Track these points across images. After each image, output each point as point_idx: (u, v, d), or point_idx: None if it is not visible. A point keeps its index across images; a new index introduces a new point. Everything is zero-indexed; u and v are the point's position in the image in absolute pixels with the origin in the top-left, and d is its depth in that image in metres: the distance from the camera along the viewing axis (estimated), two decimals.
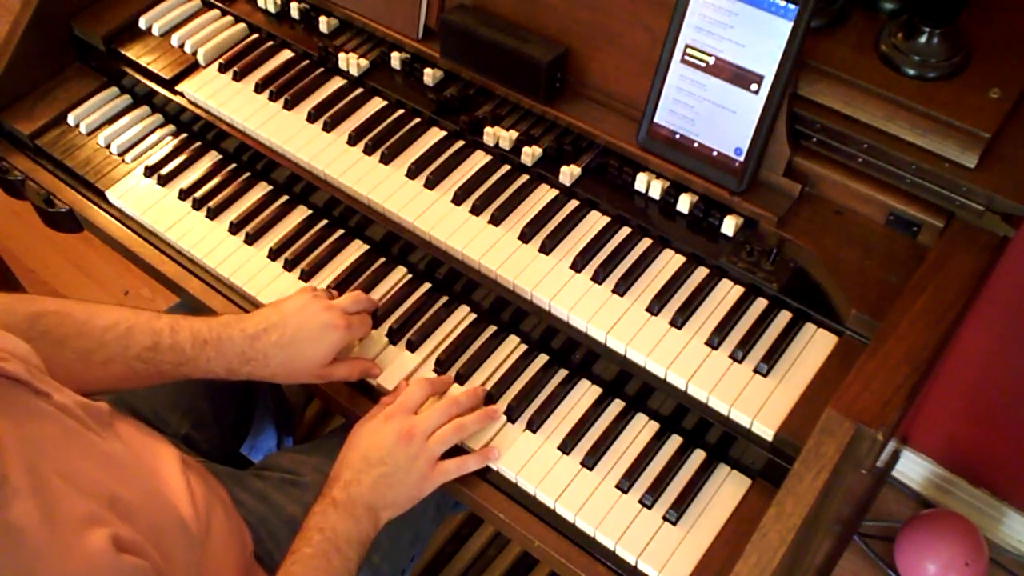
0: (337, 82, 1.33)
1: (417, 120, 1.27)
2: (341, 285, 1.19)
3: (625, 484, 1.00)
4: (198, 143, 1.37)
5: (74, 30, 1.45)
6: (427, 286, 1.19)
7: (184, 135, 1.39)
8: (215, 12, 1.45)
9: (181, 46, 1.41)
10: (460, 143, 1.24)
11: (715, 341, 1.03)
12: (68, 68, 1.47)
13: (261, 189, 1.31)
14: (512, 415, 1.06)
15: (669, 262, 1.10)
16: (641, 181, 1.14)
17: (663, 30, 1.07)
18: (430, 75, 1.28)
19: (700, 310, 1.06)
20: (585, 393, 1.08)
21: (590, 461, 1.02)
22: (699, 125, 1.08)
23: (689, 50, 1.06)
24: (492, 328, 1.14)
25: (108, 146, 1.38)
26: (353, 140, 1.26)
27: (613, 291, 1.08)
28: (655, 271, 1.09)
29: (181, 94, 1.37)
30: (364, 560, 0.99)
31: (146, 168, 1.34)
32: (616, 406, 1.07)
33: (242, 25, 1.43)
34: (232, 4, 1.45)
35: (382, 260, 1.22)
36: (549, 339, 1.12)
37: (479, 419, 1.04)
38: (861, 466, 0.90)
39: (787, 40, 0.99)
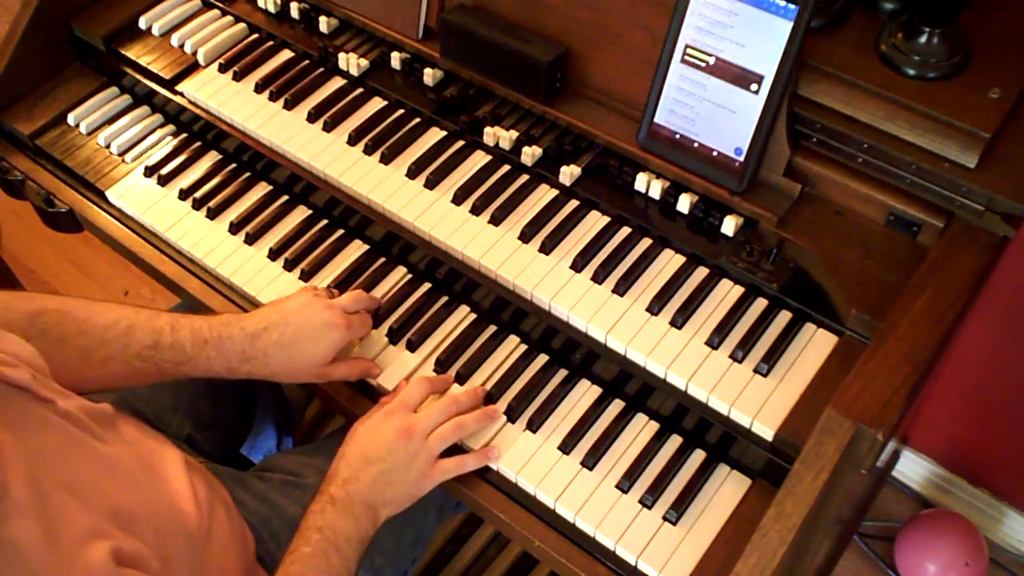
0: (337, 82, 1.33)
1: (417, 120, 1.27)
2: (341, 285, 1.19)
3: (625, 484, 1.00)
4: (198, 143, 1.37)
5: (74, 30, 1.45)
6: (427, 286, 1.19)
7: (184, 135, 1.39)
8: (215, 12, 1.45)
9: (181, 46, 1.41)
10: (460, 143, 1.24)
11: (715, 341, 1.03)
12: (68, 68, 1.47)
13: (261, 189, 1.31)
14: (512, 415, 1.06)
15: (669, 262, 1.10)
16: (641, 181, 1.14)
17: (663, 30, 1.07)
18: (430, 75, 1.29)
19: (700, 310, 1.06)
20: (585, 393, 1.08)
21: (590, 461, 1.02)
22: (699, 125, 1.08)
23: (689, 50, 1.06)
24: (492, 328, 1.14)
25: (108, 146, 1.38)
26: (353, 140, 1.26)
27: (613, 291, 1.08)
28: (655, 271, 1.09)
29: (181, 94, 1.37)
30: (364, 559, 0.99)
31: (146, 168, 1.34)
32: (616, 406, 1.07)
33: (242, 25, 1.43)
34: (232, 4, 1.45)
35: (382, 260, 1.22)
36: (549, 339, 1.12)
37: (479, 418, 1.04)
38: (861, 466, 0.90)
39: (787, 40, 0.99)
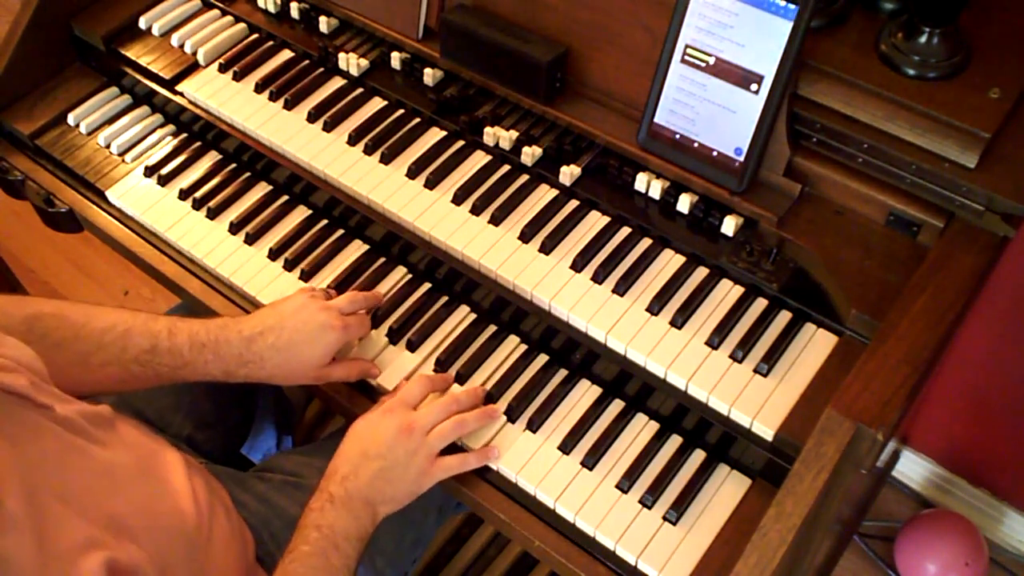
0: (337, 82, 1.33)
1: (417, 120, 1.27)
2: (341, 285, 1.19)
3: (625, 484, 1.00)
4: (198, 143, 1.37)
5: (74, 30, 1.45)
6: (427, 286, 1.19)
7: (184, 135, 1.39)
8: (215, 12, 1.45)
9: (181, 46, 1.41)
10: (460, 143, 1.24)
11: (715, 341, 1.03)
12: (68, 68, 1.47)
13: (261, 189, 1.31)
14: (512, 415, 1.06)
15: (669, 262, 1.10)
16: (641, 181, 1.14)
17: (663, 30, 1.07)
18: (430, 75, 1.29)
19: (700, 310, 1.06)
20: (585, 393, 1.08)
21: (590, 461, 1.02)
22: (699, 125, 1.08)
23: (689, 50, 1.06)
24: (492, 328, 1.14)
25: (108, 146, 1.38)
26: (353, 140, 1.26)
27: (613, 291, 1.08)
28: (655, 271, 1.09)
29: (181, 94, 1.37)
30: (364, 557, 0.99)
31: (146, 168, 1.34)
32: (616, 406, 1.07)
33: (242, 25, 1.43)
34: (232, 4, 1.45)
35: (382, 260, 1.22)
36: (549, 339, 1.12)
37: (479, 417, 1.04)
38: (861, 466, 0.90)
39: (787, 40, 0.99)
